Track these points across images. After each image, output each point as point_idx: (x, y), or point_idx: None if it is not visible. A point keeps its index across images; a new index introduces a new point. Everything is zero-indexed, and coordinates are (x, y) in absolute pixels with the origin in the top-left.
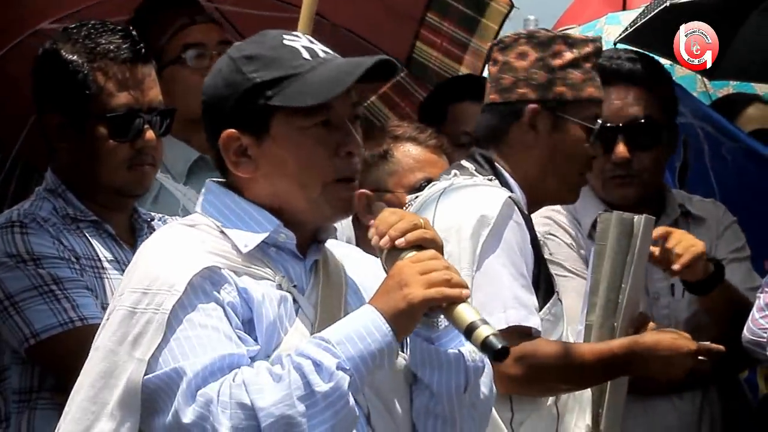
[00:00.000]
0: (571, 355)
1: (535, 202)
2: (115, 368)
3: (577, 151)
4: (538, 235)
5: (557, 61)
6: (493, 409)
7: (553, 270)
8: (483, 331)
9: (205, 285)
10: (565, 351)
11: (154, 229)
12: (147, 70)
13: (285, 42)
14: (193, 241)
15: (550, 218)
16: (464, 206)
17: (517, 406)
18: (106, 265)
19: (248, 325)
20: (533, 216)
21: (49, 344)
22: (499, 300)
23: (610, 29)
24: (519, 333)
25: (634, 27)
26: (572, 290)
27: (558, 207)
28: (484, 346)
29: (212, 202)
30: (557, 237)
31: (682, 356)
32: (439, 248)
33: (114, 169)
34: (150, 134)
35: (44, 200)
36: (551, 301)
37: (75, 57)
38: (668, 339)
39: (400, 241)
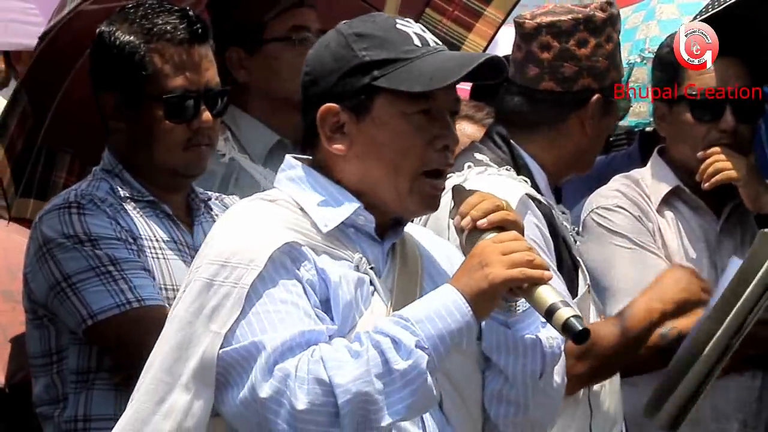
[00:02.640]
0: (625, 330)
1: (559, 178)
2: (191, 340)
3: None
4: (602, 208)
5: (609, 46)
6: None
7: (615, 241)
8: (563, 313)
9: (286, 260)
10: (619, 329)
11: (212, 209)
12: (203, 51)
13: (398, 26)
14: (272, 215)
15: (619, 191)
16: None
17: None
18: (163, 245)
19: (325, 305)
20: (601, 190)
21: (107, 325)
22: None
23: (663, 8)
24: None
25: (705, 16)
26: (639, 262)
27: (627, 181)
28: (565, 327)
29: (293, 178)
30: (625, 209)
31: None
32: (521, 230)
33: (170, 150)
34: (206, 115)
35: (101, 180)
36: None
37: (132, 38)
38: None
39: (482, 222)
